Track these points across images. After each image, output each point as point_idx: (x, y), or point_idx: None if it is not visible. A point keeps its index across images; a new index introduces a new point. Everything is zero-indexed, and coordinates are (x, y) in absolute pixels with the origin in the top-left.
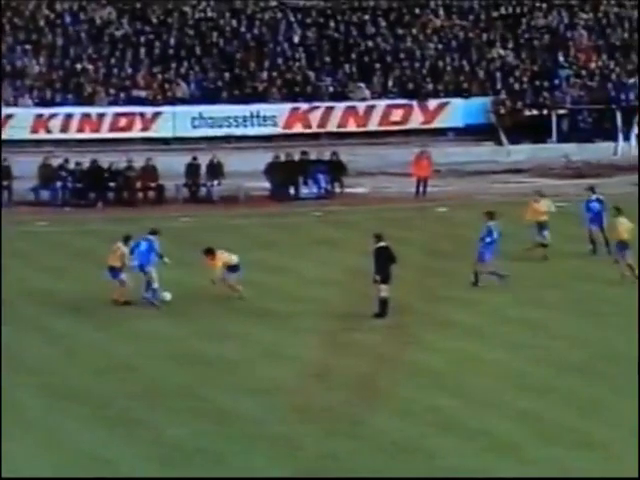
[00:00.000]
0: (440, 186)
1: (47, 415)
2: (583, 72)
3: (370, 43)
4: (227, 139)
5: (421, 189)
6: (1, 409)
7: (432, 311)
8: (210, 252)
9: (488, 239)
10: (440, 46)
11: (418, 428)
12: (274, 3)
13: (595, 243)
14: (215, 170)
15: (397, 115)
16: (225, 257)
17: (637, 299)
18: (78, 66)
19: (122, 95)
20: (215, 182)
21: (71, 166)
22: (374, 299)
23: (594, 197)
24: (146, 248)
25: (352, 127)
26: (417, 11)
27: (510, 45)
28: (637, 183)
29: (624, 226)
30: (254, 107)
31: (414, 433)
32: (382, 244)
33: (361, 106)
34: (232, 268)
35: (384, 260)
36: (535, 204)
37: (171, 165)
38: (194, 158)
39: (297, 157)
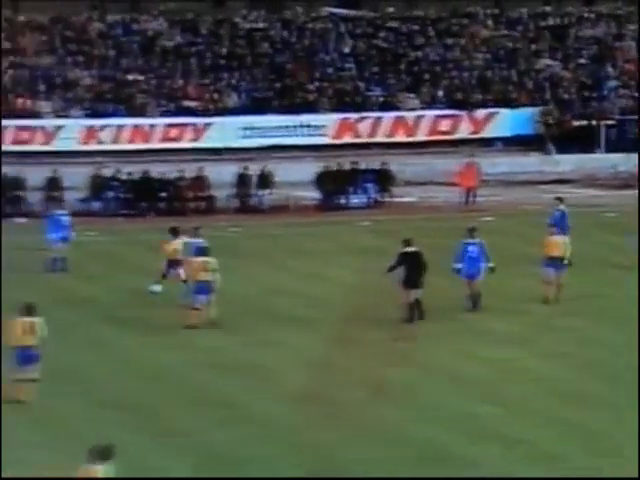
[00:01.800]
0: (487, 196)
1: (92, 424)
2: (631, 83)
3: (419, 53)
4: (277, 149)
5: (470, 199)
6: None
7: (474, 320)
8: (175, 231)
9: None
10: (488, 56)
11: (459, 436)
12: (325, 13)
13: None
14: (265, 180)
15: (445, 125)
16: (176, 246)
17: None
18: (129, 77)
19: (173, 106)
20: (265, 192)
21: (122, 176)
22: (403, 305)
23: (561, 207)
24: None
25: (401, 137)
26: (466, 21)
27: (558, 56)
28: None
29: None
30: (304, 117)
31: (455, 441)
32: (411, 249)
33: (410, 116)
34: (174, 264)
35: (413, 265)
36: None
37: (221, 175)
38: (244, 168)
39: (347, 167)
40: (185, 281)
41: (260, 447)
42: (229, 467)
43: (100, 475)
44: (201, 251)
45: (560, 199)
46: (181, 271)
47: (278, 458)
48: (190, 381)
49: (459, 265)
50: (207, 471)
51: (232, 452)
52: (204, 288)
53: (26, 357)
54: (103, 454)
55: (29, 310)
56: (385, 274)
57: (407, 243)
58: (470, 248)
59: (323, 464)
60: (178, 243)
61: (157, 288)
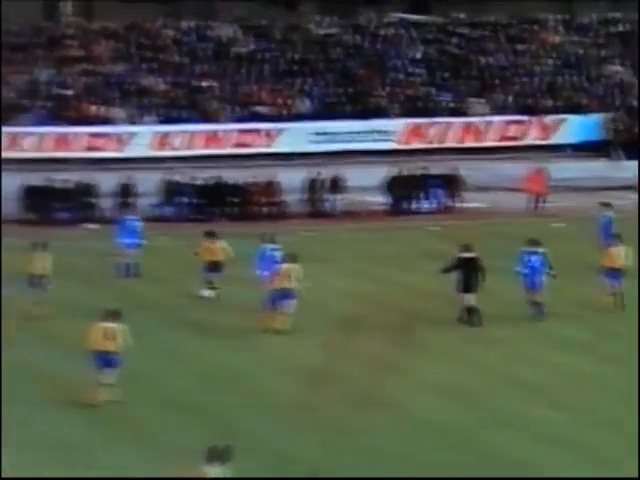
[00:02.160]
0: (556, 202)
1: (162, 427)
2: None
3: (489, 59)
4: (347, 154)
5: (538, 204)
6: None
7: (541, 326)
8: (212, 235)
9: (537, 266)
10: (558, 62)
11: (523, 440)
12: (395, 19)
13: None
14: (336, 185)
15: (514, 131)
16: (213, 248)
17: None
18: (202, 83)
19: (246, 112)
20: (336, 196)
21: (194, 182)
22: (459, 308)
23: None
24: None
25: (470, 142)
26: (535, 27)
27: (627, 62)
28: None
29: None
30: (374, 122)
31: (518, 445)
32: (469, 255)
33: (479, 122)
34: (213, 266)
35: (468, 270)
36: None
37: (293, 180)
38: (317, 173)
39: (417, 172)
40: (213, 287)
41: (330, 451)
42: (299, 471)
43: (213, 476)
44: (289, 258)
45: (607, 204)
46: (217, 275)
47: (348, 462)
48: (261, 384)
49: (522, 269)
50: (275, 474)
51: (305, 456)
52: (285, 295)
53: (104, 361)
54: (220, 456)
55: (112, 316)
56: (439, 275)
57: (466, 248)
58: (533, 258)
59: (396, 468)
60: (217, 247)
61: (207, 293)
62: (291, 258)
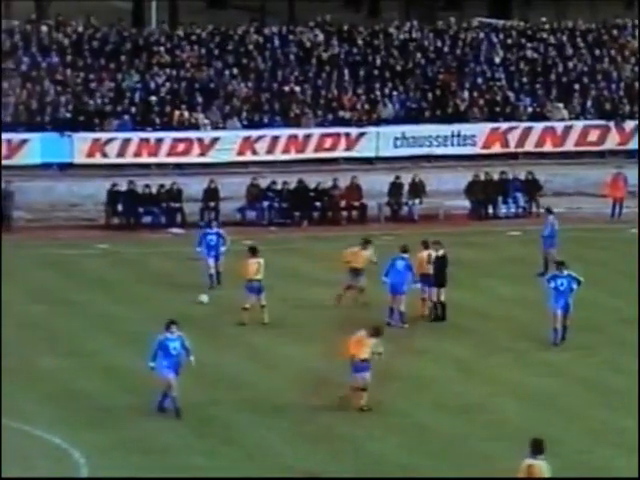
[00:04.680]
0: (635, 207)
1: (250, 430)
2: None
3: (568, 64)
4: (428, 158)
5: (616, 210)
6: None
7: (621, 332)
8: (367, 243)
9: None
10: (637, 68)
11: (608, 449)
12: (476, 24)
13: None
14: (417, 189)
15: (594, 136)
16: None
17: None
18: (286, 88)
19: (328, 116)
20: (416, 201)
21: (278, 186)
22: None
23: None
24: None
25: (549, 147)
26: (615, 32)
27: None
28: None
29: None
30: (455, 127)
31: (605, 454)
32: (442, 252)
33: (559, 126)
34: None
35: (443, 266)
36: None
37: (374, 184)
38: (397, 177)
39: (496, 177)
40: (362, 290)
41: (417, 455)
42: (385, 473)
43: (544, 469)
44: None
45: (549, 210)
46: (362, 278)
47: (440, 467)
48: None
49: (551, 302)
50: (363, 476)
51: (389, 459)
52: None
53: (357, 368)
54: (539, 447)
55: (376, 331)
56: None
57: (439, 245)
58: (559, 281)
59: (481, 474)
60: (366, 254)
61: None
62: (424, 245)
